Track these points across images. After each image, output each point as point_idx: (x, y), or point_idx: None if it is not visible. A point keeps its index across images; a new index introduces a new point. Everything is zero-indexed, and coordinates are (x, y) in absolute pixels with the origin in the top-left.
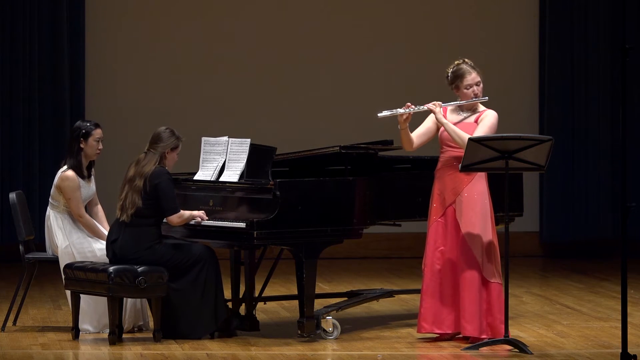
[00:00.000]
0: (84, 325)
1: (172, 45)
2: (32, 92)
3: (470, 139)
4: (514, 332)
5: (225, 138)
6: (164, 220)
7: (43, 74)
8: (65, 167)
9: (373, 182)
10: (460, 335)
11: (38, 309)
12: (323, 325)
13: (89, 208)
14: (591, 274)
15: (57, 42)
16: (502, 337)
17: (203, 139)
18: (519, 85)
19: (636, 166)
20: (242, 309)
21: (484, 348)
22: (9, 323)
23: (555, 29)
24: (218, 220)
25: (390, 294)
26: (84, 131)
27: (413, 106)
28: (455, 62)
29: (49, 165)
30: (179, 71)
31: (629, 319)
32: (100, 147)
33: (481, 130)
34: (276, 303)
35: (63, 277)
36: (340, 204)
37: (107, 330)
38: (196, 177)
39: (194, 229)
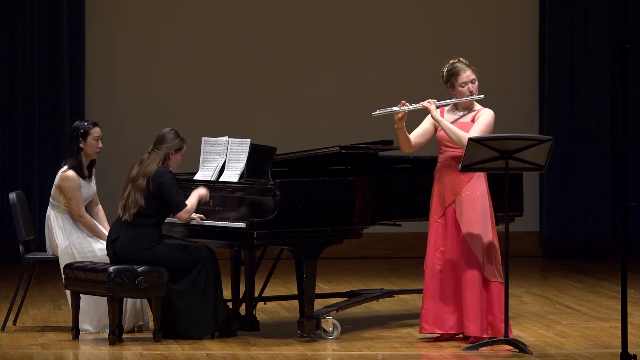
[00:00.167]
0: (84, 325)
1: (172, 45)
2: (32, 92)
3: (470, 139)
4: (514, 332)
5: (225, 138)
6: (174, 217)
7: (43, 74)
8: (65, 167)
9: (373, 182)
10: (461, 335)
11: (38, 309)
12: (323, 325)
13: (89, 208)
14: (591, 274)
15: (57, 42)
16: (503, 337)
17: (203, 139)
18: (519, 85)
19: (636, 166)
20: (242, 309)
21: (484, 348)
22: (9, 323)
23: (555, 29)
24: (218, 220)
25: (390, 294)
26: (82, 131)
27: (408, 104)
28: (450, 61)
29: (49, 165)
30: (179, 71)
31: (629, 319)
32: (100, 145)
33: (477, 128)
34: (276, 303)
35: (63, 277)
36: (340, 204)
37: (107, 330)
38: (196, 177)
39: (194, 229)
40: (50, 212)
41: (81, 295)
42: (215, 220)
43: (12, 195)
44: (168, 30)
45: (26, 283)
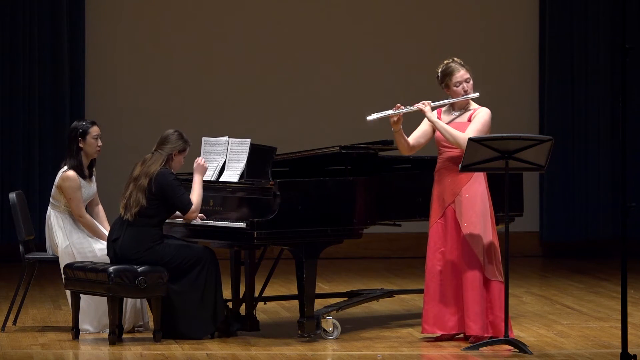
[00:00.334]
0: (84, 325)
1: (172, 45)
2: (32, 92)
3: (470, 139)
4: (514, 332)
5: (225, 138)
6: (183, 218)
7: (43, 74)
8: (65, 167)
9: (373, 182)
10: (461, 335)
11: (38, 309)
12: (323, 325)
13: (89, 208)
14: (591, 274)
15: (57, 42)
16: (503, 337)
17: (203, 139)
18: (519, 85)
19: (636, 166)
20: (242, 309)
21: (484, 348)
22: (9, 323)
23: (555, 29)
24: (218, 220)
25: (390, 294)
26: (81, 130)
27: (403, 107)
28: (444, 61)
29: (49, 165)
30: (178, 71)
31: (629, 319)
32: (100, 144)
33: (473, 127)
34: (276, 303)
35: (63, 277)
36: (341, 204)
37: (107, 330)
38: None
39: (194, 229)
40: (51, 212)
41: (81, 295)
42: (215, 220)
43: (12, 195)
44: (168, 30)
45: (26, 283)
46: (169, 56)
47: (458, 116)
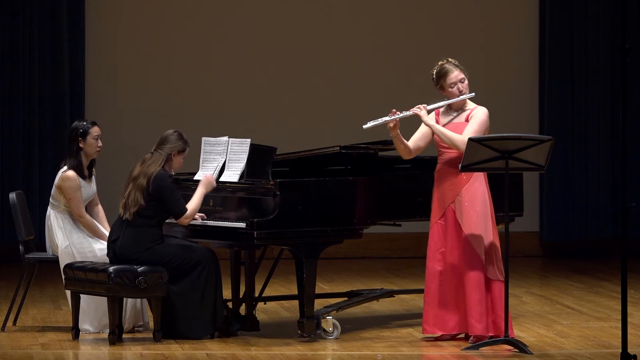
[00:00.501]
0: (84, 325)
1: (172, 45)
2: (32, 92)
3: (470, 139)
4: (514, 332)
5: (225, 138)
6: (175, 221)
7: (43, 74)
8: (65, 167)
9: (373, 182)
10: (461, 335)
11: (38, 309)
12: (323, 325)
13: (89, 208)
14: (591, 274)
15: (57, 42)
16: (508, 336)
17: (203, 139)
18: (519, 85)
19: (636, 166)
20: (242, 309)
21: (484, 348)
22: (9, 323)
23: (555, 29)
24: (218, 220)
25: (390, 294)
26: (81, 130)
27: (398, 112)
28: (439, 63)
29: (49, 165)
30: (179, 71)
31: (629, 319)
32: (100, 144)
33: (470, 128)
34: (276, 303)
35: (63, 277)
36: (341, 204)
37: (107, 330)
38: (196, 177)
39: (194, 229)
40: (50, 212)
41: (81, 295)
42: (215, 220)
43: (12, 195)
44: (168, 30)
45: (26, 283)
46: (169, 56)
47: (456, 117)
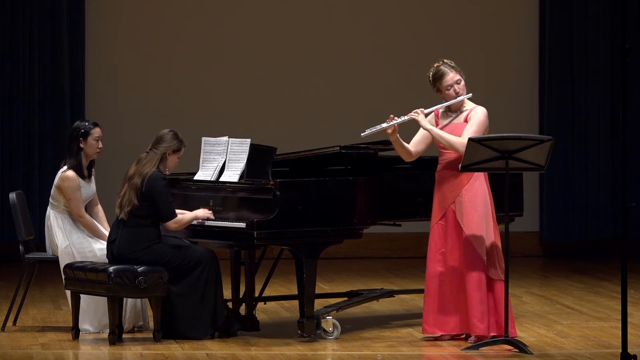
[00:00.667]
0: (84, 325)
1: (172, 45)
2: (32, 92)
3: (470, 139)
4: (511, 332)
5: (225, 138)
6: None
7: (43, 74)
8: (65, 167)
9: (373, 182)
10: (462, 335)
11: (38, 309)
12: (323, 325)
13: (89, 208)
14: (591, 274)
15: (57, 42)
16: (508, 336)
17: (203, 139)
18: (519, 85)
19: (636, 166)
20: (242, 309)
21: (484, 348)
22: (9, 323)
23: (555, 29)
24: (218, 221)
25: (390, 294)
26: (82, 131)
27: (396, 118)
28: (435, 65)
29: (49, 165)
30: (178, 71)
31: (629, 319)
32: (100, 145)
33: (469, 129)
34: (276, 303)
35: (63, 277)
36: (341, 204)
37: (107, 330)
38: (196, 177)
39: (194, 229)
40: (50, 212)
41: (81, 295)
42: (215, 220)
43: (12, 195)
44: (168, 30)
45: (26, 283)
46: (169, 56)
47: (455, 118)
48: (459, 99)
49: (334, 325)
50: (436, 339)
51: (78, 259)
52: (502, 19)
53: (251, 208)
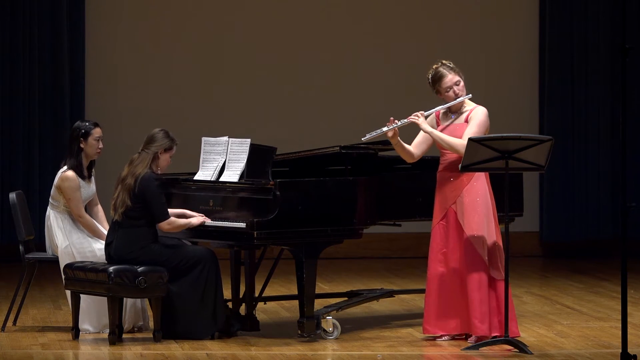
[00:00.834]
0: (84, 325)
1: (172, 45)
2: (32, 92)
3: (470, 139)
4: (513, 332)
5: (225, 138)
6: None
7: (43, 74)
8: (65, 167)
9: (373, 182)
10: (462, 335)
11: (38, 309)
12: (323, 325)
13: (89, 208)
14: (591, 274)
15: (57, 42)
16: (508, 336)
17: (203, 139)
18: (519, 85)
19: (636, 166)
20: (242, 309)
21: (484, 348)
22: (9, 323)
23: (555, 28)
24: (218, 221)
25: (390, 294)
26: (83, 131)
27: (396, 121)
28: (433, 67)
29: (49, 165)
30: (179, 71)
31: (629, 319)
32: (101, 146)
33: (470, 130)
34: (276, 303)
35: (63, 277)
36: (341, 204)
37: (107, 330)
38: (196, 177)
39: (194, 229)
40: (50, 212)
41: (81, 295)
42: (215, 220)
43: (12, 195)
44: (168, 30)
45: (26, 283)
46: (169, 56)
47: (455, 118)
48: (458, 100)
49: (334, 325)
50: (436, 339)
51: (78, 259)
52: (502, 19)
53: (251, 208)
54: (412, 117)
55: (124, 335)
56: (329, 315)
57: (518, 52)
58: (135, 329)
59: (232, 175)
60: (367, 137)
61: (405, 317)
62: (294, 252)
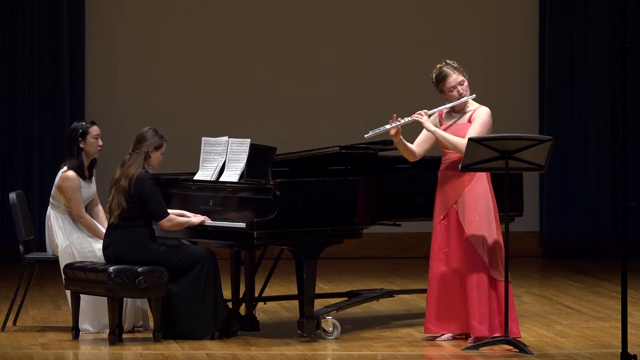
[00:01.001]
0: (84, 325)
1: (172, 45)
2: (32, 92)
3: (470, 139)
4: (514, 332)
5: (225, 138)
6: (155, 222)
7: (43, 74)
8: (65, 167)
9: (373, 182)
10: (462, 335)
11: (38, 309)
12: (323, 325)
13: (89, 208)
14: (591, 274)
15: (57, 42)
16: (511, 336)
17: (203, 139)
18: (519, 86)
19: (636, 166)
20: (242, 309)
21: (484, 348)
22: (9, 323)
23: (555, 29)
24: (218, 221)
25: (390, 294)
26: (80, 131)
27: (399, 119)
28: (437, 66)
29: (49, 165)
30: (179, 71)
31: (629, 319)
32: (101, 143)
33: (473, 130)
34: (276, 303)
35: (63, 277)
36: (341, 204)
37: (107, 330)
38: (196, 177)
39: (194, 229)
40: (51, 212)
41: (81, 295)
42: (215, 220)
43: (12, 195)
44: (168, 30)
45: (26, 283)
46: (169, 56)
47: (459, 118)
48: (462, 100)
49: (334, 325)
50: (436, 339)
51: (78, 259)
52: (502, 19)
53: (251, 208)
54: (415, 115)
55: (124, 335)
56: (329, 315)
57: (518, 52)
58: (135, 329)
59: (232, 175)
60: (369, 134)
61: (405, 317)
62: (294, 252)
